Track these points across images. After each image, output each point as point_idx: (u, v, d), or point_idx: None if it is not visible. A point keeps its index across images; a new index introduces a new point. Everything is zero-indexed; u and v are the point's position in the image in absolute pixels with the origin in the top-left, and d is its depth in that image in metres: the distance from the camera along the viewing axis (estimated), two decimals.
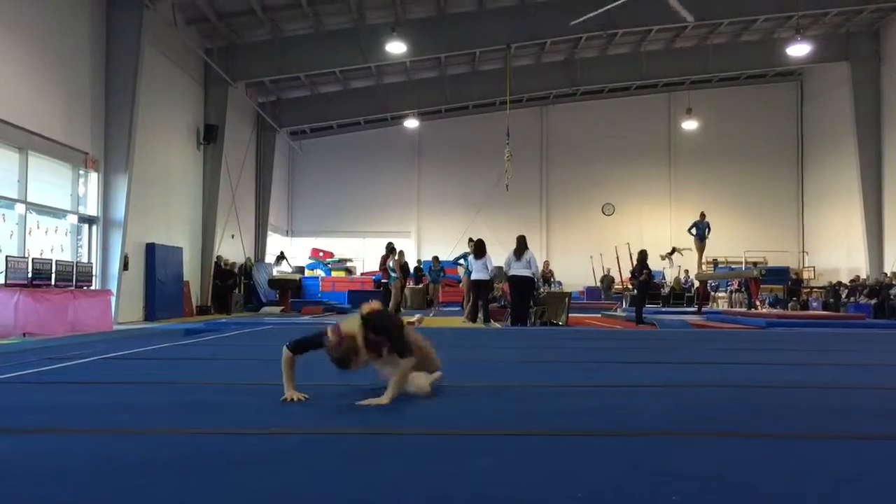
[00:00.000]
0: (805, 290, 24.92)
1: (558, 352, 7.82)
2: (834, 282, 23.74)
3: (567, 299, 15.35)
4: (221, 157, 20.26)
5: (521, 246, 13.51)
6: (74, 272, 11.88)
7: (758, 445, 3.03)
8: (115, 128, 14.61)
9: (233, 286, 20.56)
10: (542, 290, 16.29)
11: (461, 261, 15.89)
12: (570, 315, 15.22)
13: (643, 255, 15.26)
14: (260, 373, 5.57)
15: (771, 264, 24.83)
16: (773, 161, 29.25)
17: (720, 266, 25.37)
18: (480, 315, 14.40)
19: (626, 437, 3.19)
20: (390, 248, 16.81)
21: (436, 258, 23.18)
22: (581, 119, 29.25)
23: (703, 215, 19.52)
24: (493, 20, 20.61)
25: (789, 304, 21.92)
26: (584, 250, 27.68)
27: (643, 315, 14.81)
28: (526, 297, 13.75)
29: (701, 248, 19.64)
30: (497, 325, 14.08)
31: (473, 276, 14.52)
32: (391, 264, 16.42)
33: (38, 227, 12.78)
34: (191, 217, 19.38)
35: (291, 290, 21.09)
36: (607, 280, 26.15)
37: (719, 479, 2.46)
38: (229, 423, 3.41)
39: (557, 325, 14.34)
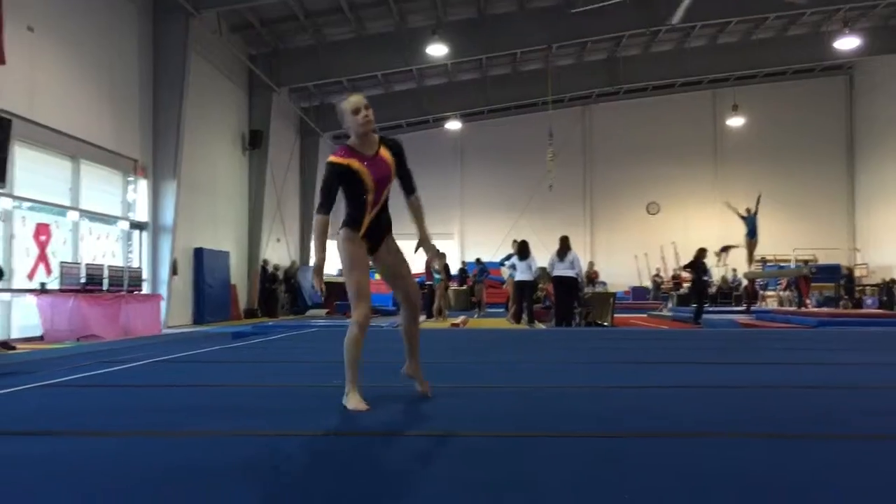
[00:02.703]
0: (858, 288, 24.31)
1: (603, 352, 7.76)
2: (888, 279, 23.14)
3: (612, 299, 15.22)
4: (266, 161, 20.51)
5: (565, 246, 13.42)
6: (126, 277, 12.13)
7: (808, 447, 2.97)
8: (163, 135, 14.86)
9: (280, 289, 20.81)
10: (586, 290, 16.14)
11: (506, 262, 15.85)
12: (615, 315, 15.07)
13: (698, 254, 14.75)
14: (305, 376, 5.63)
15: (821, 262, 24.28)
16: (822, 157, 28.58)
17: (769, 264, 24.88)
18: (525, 316, 14.36)
19: (671, 437, 3.16)
20: None
21: (478, 259, 23.15)
22: (624, 118, 28.90)
23: (748, 211, 19.17)
24: (534, 20, 20.50)
25: (840, 303, 21.39)
26: (629, 250, 27.41)
27: (700, 314, 14.33)
28: (570, 297, 13.67)
29: (750, 245, 19.24)
30: (542, 325, 14.04)
31: (518, 278, 14.48)
32: (436, 265, 16.44)
33: (91, 234, 13.06)
34: (237, 221, 19.66)
35: (336, 293, 21.21)
36: (659, 279, 25.87)
37: (767, 482, 2.43)
38: (275, 425, 3.45)
39: (603, 325, 14.23)
